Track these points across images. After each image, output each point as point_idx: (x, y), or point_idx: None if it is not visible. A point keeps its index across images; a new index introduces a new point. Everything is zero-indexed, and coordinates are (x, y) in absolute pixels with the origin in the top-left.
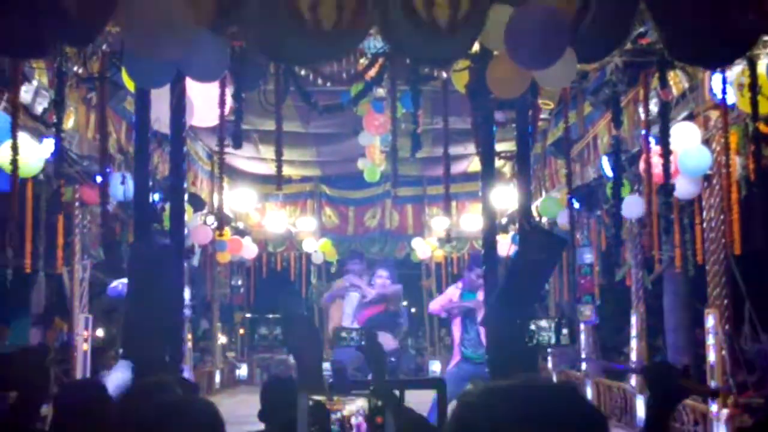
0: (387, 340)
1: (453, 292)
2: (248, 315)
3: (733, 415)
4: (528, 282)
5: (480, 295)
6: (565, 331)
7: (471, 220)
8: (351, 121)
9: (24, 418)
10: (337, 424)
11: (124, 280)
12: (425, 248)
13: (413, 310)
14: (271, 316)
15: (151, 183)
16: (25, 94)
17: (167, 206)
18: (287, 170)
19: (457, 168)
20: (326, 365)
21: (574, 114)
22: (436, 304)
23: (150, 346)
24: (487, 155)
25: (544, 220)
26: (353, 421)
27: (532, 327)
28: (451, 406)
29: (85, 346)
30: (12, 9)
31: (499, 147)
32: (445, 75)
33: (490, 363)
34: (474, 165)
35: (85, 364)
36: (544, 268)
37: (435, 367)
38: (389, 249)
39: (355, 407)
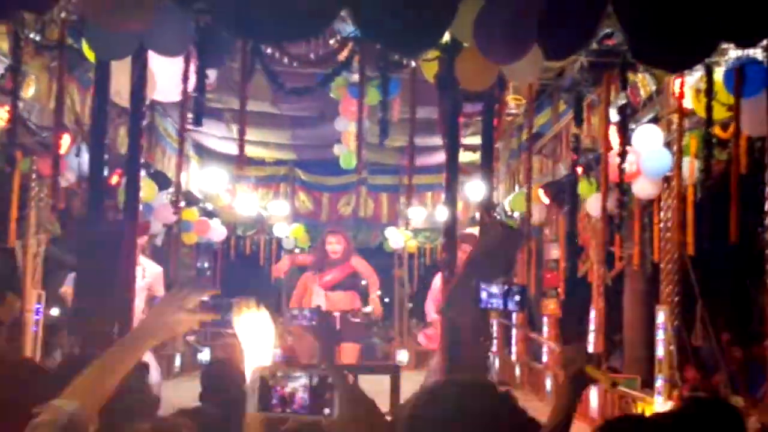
0: (354, 300)
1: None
2: (204, 299)
3: None
4: (485, 273)
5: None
6: (517, 297)
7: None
8: (326, 106)
9: None
10: (277, 398)
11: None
12: (399, 238)
13: (386, 300)
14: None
15: (108, 157)
16: None
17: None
18: (260, 152)
19: (433, 159)
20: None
21: (550, 111)
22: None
23: (98, 322)
24: (453, 147)
25: (516, 214)
26: (296, 395)
27: (483, 294)
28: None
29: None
30: None
31: (471, 140)
32: (414, 64)
33: (446, 352)
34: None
35: (36, 343)
36: (502, 259)
37: (402, 356)
38: (363, 237)
39: (297, 384)
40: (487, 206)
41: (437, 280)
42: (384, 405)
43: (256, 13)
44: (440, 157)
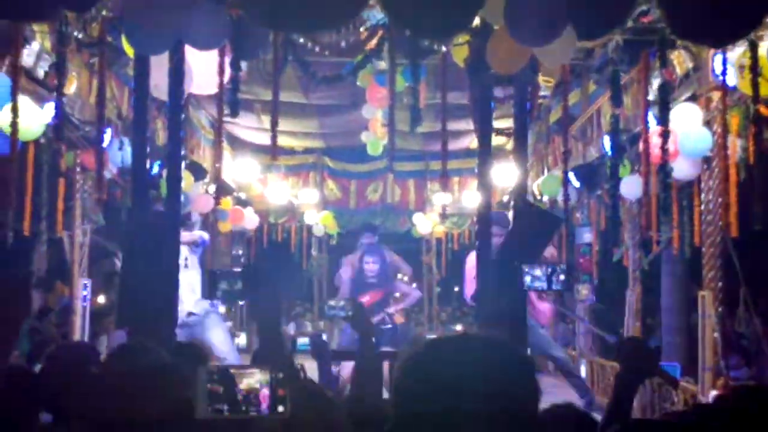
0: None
1: None
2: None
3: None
4: (519, 257)
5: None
6: (561, 277)
7: (473, 197)
8: (354, 94)
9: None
10: (241, 394)
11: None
12: (426, 223)
13: (414, 285)
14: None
15: (149, 150)
16: (27, 57)
17: (165, 173)
18: (289, 141)
19: (459, 144)
20: (305, 339)
21: (578, 92)
22: None
23: (144, 313)
24: (485, 132)
25: (546, 198)
26: (258, 392)
27: (527, 278)
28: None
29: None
30: None
31: (500, 124)
32: (444, 49)
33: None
34: (477, 141)
35: (84, 329)
36: (537, 244)
37: None
38: (390, 223)
39: (254, 380)
40: (522, 192)
41: (471, 260)
42: None
43: (287, 5)
44: (465, 142)
